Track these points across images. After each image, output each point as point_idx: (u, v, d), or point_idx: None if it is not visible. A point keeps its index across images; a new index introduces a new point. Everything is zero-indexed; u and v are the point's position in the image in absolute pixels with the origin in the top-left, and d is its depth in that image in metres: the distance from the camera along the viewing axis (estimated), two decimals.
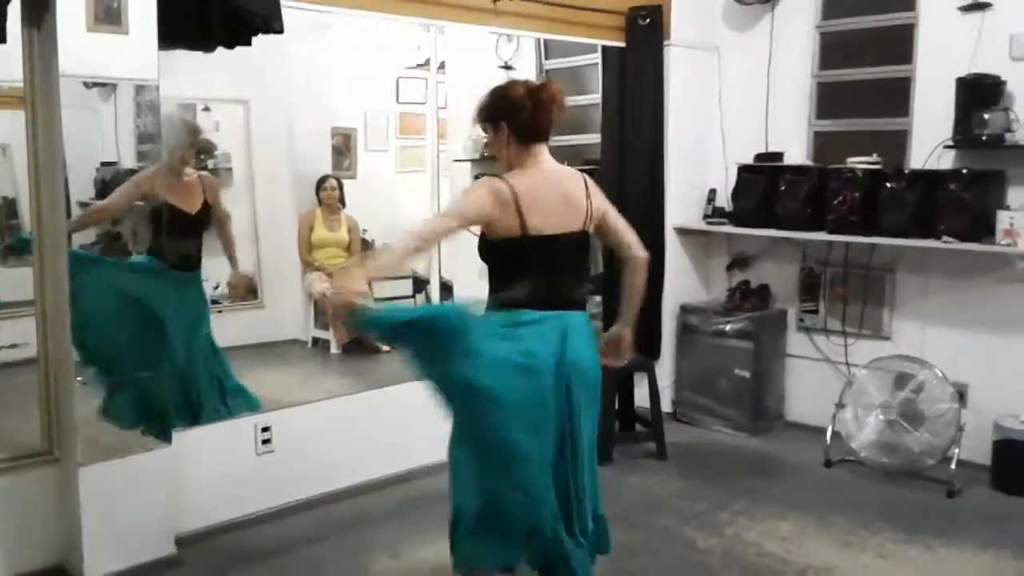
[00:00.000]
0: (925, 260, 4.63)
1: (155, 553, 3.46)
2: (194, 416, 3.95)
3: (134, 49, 3.27)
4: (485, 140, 5.96)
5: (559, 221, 2.67)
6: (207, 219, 4.29)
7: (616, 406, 4.86)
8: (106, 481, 3.32)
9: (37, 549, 3.37)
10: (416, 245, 2.63)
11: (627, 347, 2.99)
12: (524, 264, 2.65)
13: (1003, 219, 4.14)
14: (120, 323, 3.53)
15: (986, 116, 4.21)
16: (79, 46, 3.15)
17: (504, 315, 2.63)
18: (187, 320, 4.09)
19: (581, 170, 2.90)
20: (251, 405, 4.12)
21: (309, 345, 5.92)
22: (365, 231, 6.07)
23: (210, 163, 5.80)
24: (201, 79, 4.16)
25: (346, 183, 5.99)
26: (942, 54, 4.51)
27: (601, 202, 2.82)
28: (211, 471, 3.75)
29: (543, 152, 2.73)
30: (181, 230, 4.02)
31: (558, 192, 2.69)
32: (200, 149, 4.56)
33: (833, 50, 5.11)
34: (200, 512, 3.69)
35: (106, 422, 3.41)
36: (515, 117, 2.68)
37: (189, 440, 3.66)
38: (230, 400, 4.15)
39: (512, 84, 2.76)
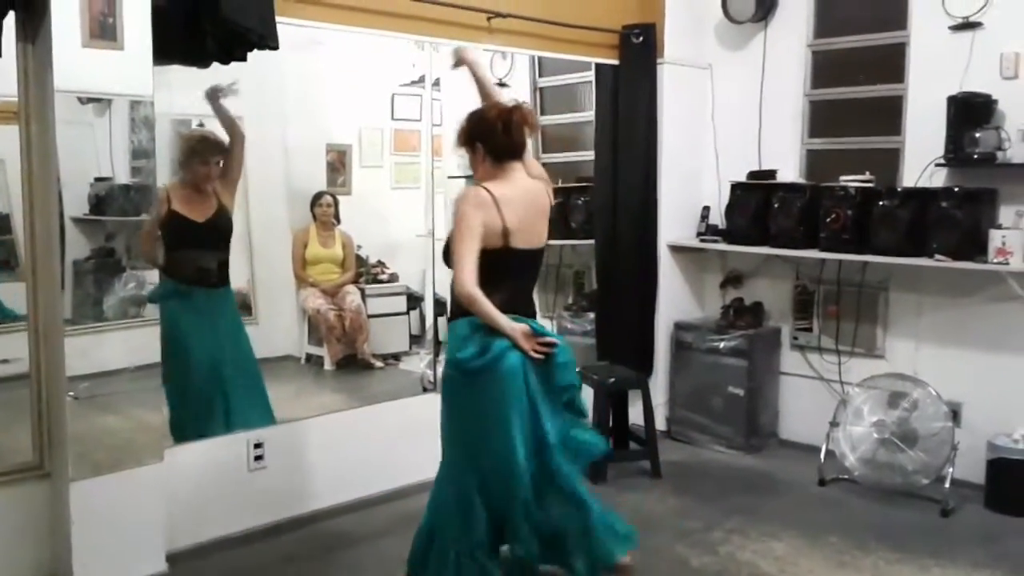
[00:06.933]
0: (918, 278, 4.63)
1: (145, 569, 3.44)
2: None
3: (129, 65, 3.28)
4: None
5: (529, 233, 2.93)
6: (221, 226, 4.10)
7: (610, 424, 4.84)
8: (97, 496, 3.30)
9: (27, 564, 3.34)
10: (477, 292, 2.79)
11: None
12: (505, 273, 2.87)
13: (995, 237, 4.15)
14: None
15: (977, 135, 4.23)
16: (74, 61, 3.15)
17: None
18: (216, 338, 4.09)
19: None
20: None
21: (303, 361, 5.91)
22: (360, 247, 6.08)
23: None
24: (196, 95, 4.15)
25: (341, 199, 6.00)
26: (934, 73, 4.54)
27: None
28: (203, 487, 3.73)
29: (517, 169, 2.94)
30: (189, 241, 4.00)
31: (530, 204, 2.95)
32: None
33: (825, 69, 5.14)
34: (191, 528, 3.67)
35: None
36: (489, 139, 2.91)
37: (181, 456, 3.64)
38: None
39: (487, 108, 3.01)
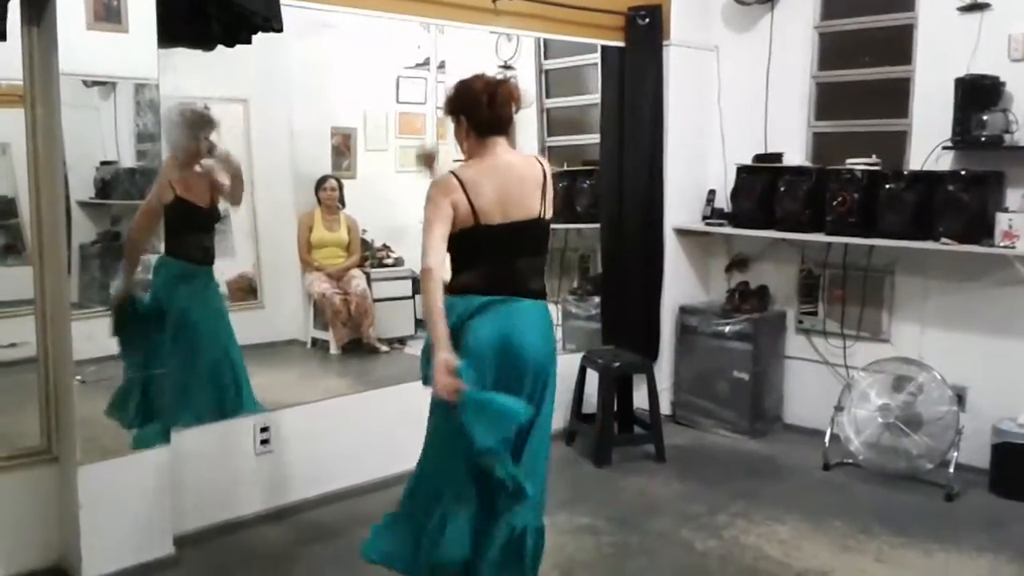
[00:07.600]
0: (924, 262, 4.62)
1: (153, 553, 3.46)
2: (222, 411, 3.98)
3: (134, 47, 3.27)
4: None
5: (510, 208, 2.78)
6: (217, 209, 4.20)
7: (615, 408, 4.85)
8: (104, 480, 3.32)
9: (35, 549, 3.36)
10: (439, 271, 2.71)
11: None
12: (477, 252, 2.78)
13: (1002, 221, 4.14)
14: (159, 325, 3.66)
15: (985, 117, 4.21)
16: (79, 44, 3.14)
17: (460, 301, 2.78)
18: (210, 315, 4.13)
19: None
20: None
21: (308, 345, 5.93)
22: (365, 231, 6.09)
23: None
24: (201, 77, 4.15)
25: (346, 183, 6.01)
26: (941, 55, 4.51)
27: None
28: (210, 471, 3.75)
29: (499, 144, 2.83)
30: (198, 225, 4.05)
31: (511, 179, 2.80)
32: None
33: (832, 50, 5.11)
34: (198, 512, 3.69)
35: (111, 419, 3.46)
36: (473, 112, 2.81)
37: (188, 440, 3.66)
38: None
39: (473, 79, 2.89)
